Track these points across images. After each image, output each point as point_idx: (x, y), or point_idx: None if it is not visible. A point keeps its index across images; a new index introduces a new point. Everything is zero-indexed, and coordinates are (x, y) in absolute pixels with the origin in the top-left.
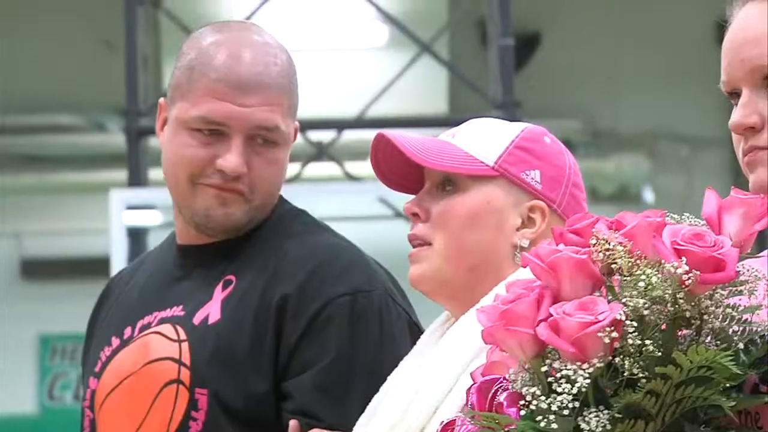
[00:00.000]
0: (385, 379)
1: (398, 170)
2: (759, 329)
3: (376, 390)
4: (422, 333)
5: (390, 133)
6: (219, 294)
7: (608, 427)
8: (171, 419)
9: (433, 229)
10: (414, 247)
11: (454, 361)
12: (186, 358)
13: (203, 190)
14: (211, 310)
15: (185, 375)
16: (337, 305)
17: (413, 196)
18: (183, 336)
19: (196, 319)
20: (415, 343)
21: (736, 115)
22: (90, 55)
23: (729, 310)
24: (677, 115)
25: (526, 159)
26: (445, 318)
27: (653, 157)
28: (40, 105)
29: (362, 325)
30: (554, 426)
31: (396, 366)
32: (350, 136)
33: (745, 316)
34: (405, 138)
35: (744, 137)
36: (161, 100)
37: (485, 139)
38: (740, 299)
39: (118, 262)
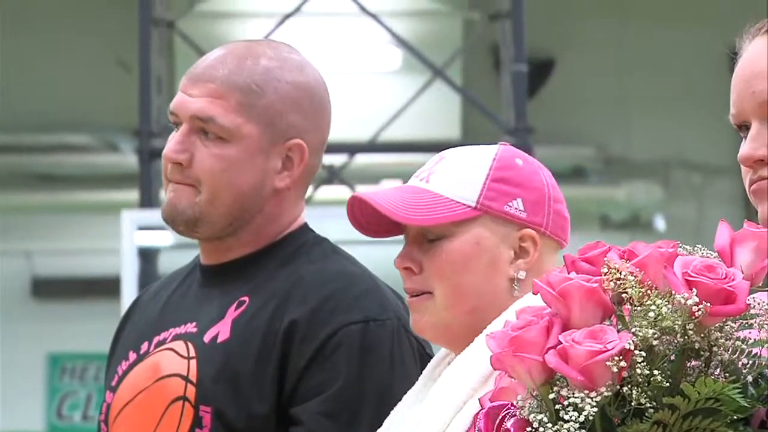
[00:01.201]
0: (393, 408)
1: (375, 220)
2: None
3: (383, 418)
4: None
5: (365, 194)
6: (231, 313)
7: None
8: None
9: (430, 280)
10: (411, 296)
11: (447, 404)
12: (193, 375)
13: (166, 187)
14: (222, 329)
15: (191, 392)
16: (348, 332)
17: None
18: (192, 353)
19: (207, 337)
20: None
21: (746, 148)
22: (104, 75)
23: (738, 343)
24: (690, 143)
25: (506, 190)
26: (445, 353)
27: (665, 184)
28: (53, 124)
29: (373, 354)
30: None
31: (404, 397)
32: (362, 160)
33: (754, 350)
34: (380, 196)
35: (753, 169)
36: None
37: (460, 178)
38: (750, 332)
39: (129, 283)
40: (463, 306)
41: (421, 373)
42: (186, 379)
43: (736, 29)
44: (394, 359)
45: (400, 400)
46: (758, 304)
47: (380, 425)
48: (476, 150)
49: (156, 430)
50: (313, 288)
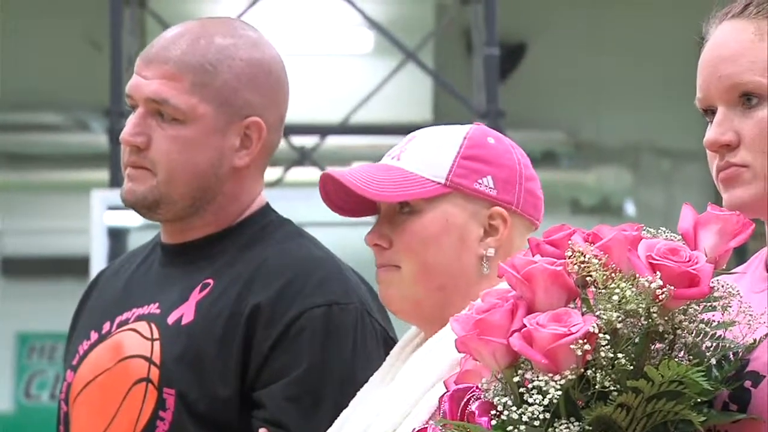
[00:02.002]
0: (357, 392)
1: (348, 199)
2: (731, 345)
3: (346, 402)
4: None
5: (336, 172)
6: (195, 296)
7: None
8: (139, 418)
9: (398, 254)
10: (380, 267)
11: (415, 386)
12: (156, 357)
13: (125, 171)
14: (185, 311)
15: (154, 374)
16: (311, 316)
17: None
18: (156, 335)
19: (170, 319)
20: None
21: (711, 133)
22: (75, 54)
23: (702, 326)
24: (659, 129)
25: (476, 167)
26: (414, 334)
27: (635, 169)
28: (23, 103)
29: (336, 338)
30: None
31: (369, 380)
32: (334, 141)
33: (718, 332)
34: (351, 174)
35: (719, 154)
36: None
37: (431, 156)
38: (714, 315)
39: (99, 262)
40: (431, 282)
41: (384, 356)
42: (149, 360)
43: (704, 17)
44: (357, 343)
45: (363, 384)
46: (722, 287)
47: (343, 408)
48: (448, 129)
49: (118, 411)
50: (277, 271)
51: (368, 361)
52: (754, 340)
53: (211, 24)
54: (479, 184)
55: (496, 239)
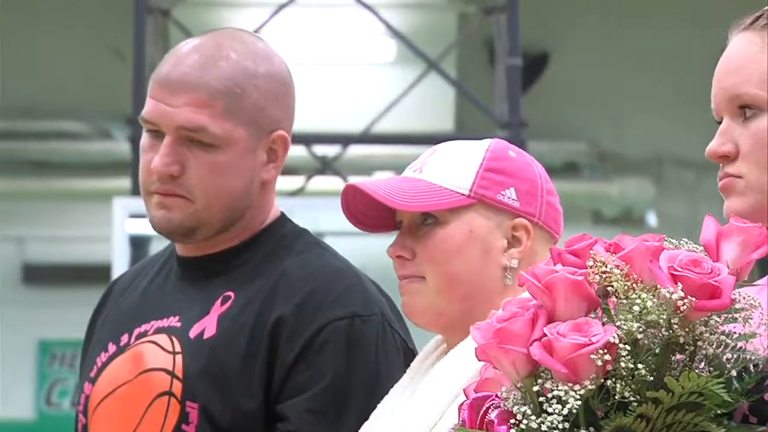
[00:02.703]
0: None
1: (370, 212)
2: (753, 357)
3: (370, 414)
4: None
5: (360, 183)
6: (217, 309)
7: None
8: (162, 431)
9: (422, 265)
10: (403, 278)
11: (439, 397)
12: (179, 371)
13: (150, 198)
14: (208, 325)
15: (177, 387)
16: (334, 328)
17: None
18: (178, 348)
19: (192, 333)
20: None
21: (712, 143)
22: (98, 62)
23: (723, 337)
24: (683, 140)
25: (499, 179)
26: (435, 346)
27: (658, 181)
28: (46, 111)
29: (359, 350)
30: None
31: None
32: (355, 151)
33: (739, 344)
34: (376, 185)
35: (721, 164)
36: None
37: (454, 167)
38: (735, 326)
39: (120, 270)
40: (455, 292)
41: (405, 368)
42: (172, 374)
43: (728, 27)
44: (380, 355)
45: (385, 395)
46: (743, 298)
47: (366, 421)
48: (469, 143)
49: (140, 425)
50: (298, 283)
51: (390, 373)
52: None
53: (223, 39)
54: (502, 195)
55: (520, 250)
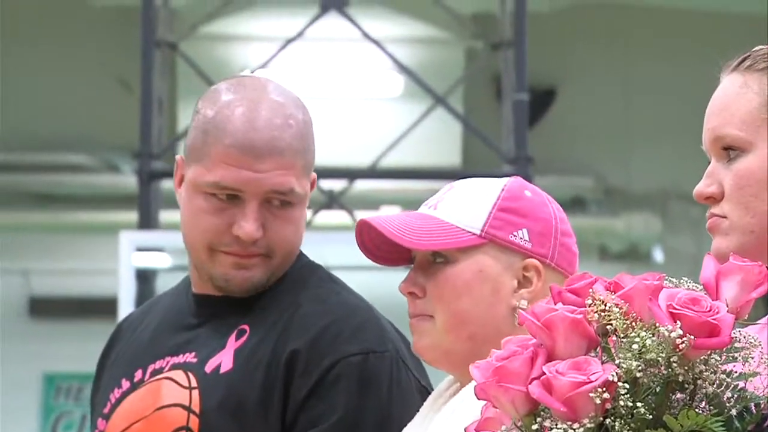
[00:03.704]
0: None
1: (384, 247)
2: (753, 397)
3: None
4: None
5: (372, 219)
6: (232, 343)
7: None
8: None
9: (431, 303)
10: (413, 317)
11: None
12: (196, 406)
13: (221, 258)
14: (224, 359)
15: (194, 423)
16: (348, 364)
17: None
18: (194, 383)
19: (208, 367)
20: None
21: (699, 184)
22: (105, 95)
23: (723, 376)
24: (689, 176)
25: (512, 220)
26: (447, 384)
27: (664, 216)
28: (53, 143)
29: (372, 386)
30: None
31: (403, 428)
32: (362, 185)
33: (740, 384)
34: (387, 221)
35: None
36: (178, 157)
37: (467, 206)
38: (735, 365)
39: (126, 304)
40: (462, 331)
41: (418, 406)
42: (188, 409)
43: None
44: (393, 392)
45: (398, 431)
46: (743, 337)
47: None
48: (486, 181)
49: None
50: (312, 318)
51: (403, 410)
52: None
53: (272, 93)
54: (514, 236)
55: (530, 291)
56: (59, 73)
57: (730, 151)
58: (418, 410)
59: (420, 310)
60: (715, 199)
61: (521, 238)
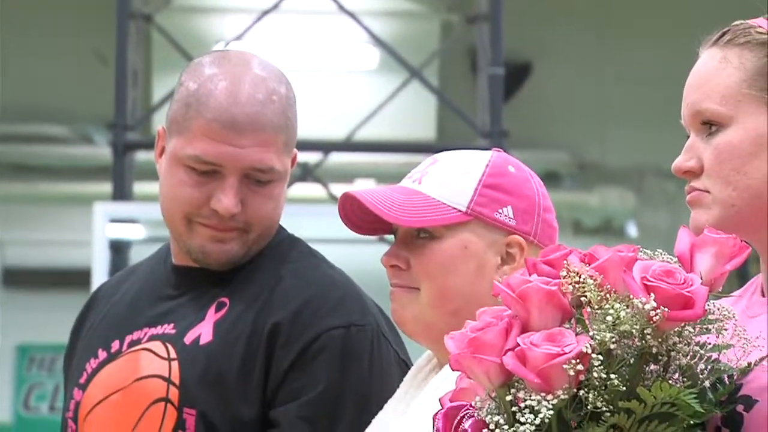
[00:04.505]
0: (373, 414)
1: (366, 217)
2: (725, 368)
3: (362, 425)
4: (409, 370)
5: (357, 192)
6: (212, 315)
7: None
8: None
9: (417, 277)
10: (396, 287)
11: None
12: (175, 377)
13: (199, 229)
14: (203, 331)
15: (174, 394)
16: (330, 337)
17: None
18: (173, 354)
19: (188, 339)
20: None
21: (678, 159)
22: (81, 67)
23: (696, 348)
24: (664, 151)
25: (497, 197)
26: (426, 360)
27: (639, 191)
28: (28, 115)
29: (354, 359)
30: None
31: (384, 402)
32: (337, 158)
33: (712, 356)
34: (372, 195)
35: (688, 179)
36: (160, 127)
37: (452, 182)
38: (709, 337)
39: (100, 275)
40: (446, 306)
41: (398, 379)
42: (168, 380)
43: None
44: (374, 365)
45: (379, 405)
46: (717, 309)
47: (359, 430)
48: (469, 155)
49: (135, 431)
50: (294, 291)
51: (384, 383)
52: (749, 363)
53: (255, 68)
54: (499, 213)
55: (513, 267)
56: (36, 46)
57: (710, 125)
58: (397, 383)
59: (404, 281)
60: (694, 173)
61: (506, 216)
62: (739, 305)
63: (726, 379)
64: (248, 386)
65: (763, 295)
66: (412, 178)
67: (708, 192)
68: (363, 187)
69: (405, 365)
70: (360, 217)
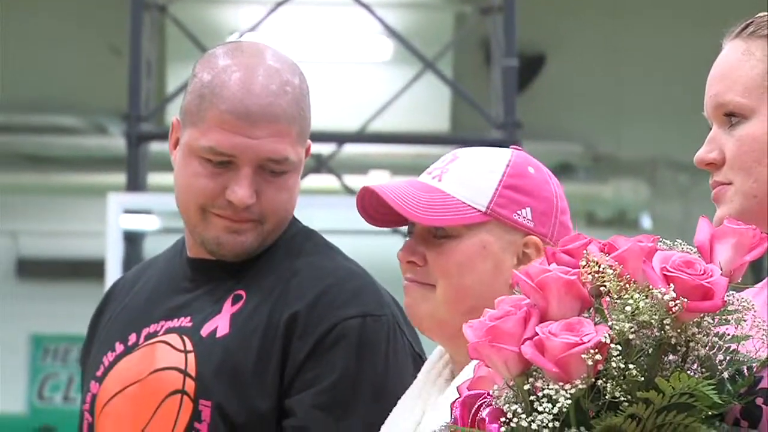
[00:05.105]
0: (387, 405)
1: (382, 210)
2: (745, 360)
3: (377, 415)
4: (424, 361)
5: (377, 186)
6: (228, 308)
7: None
8: (174, 429)
9: (434, 274)
10: (411, 282)
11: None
12: (192, 369)
13: (214, 220)
14: (220, 324)
15: (190, 386)
16: (346, 327)
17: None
18: (189, 347)
19: (204, 331)
20: (417, 374)
21: (700, 151)
22: (95, 58)
23: (715, 339)
24: (678, 143)
25: (516, 198)
26: (439, 355)
27: (653, 183)
28: (43, 105)
29: (370, 349)
30: None
31: (399, 392)
32: (350, 149)
33: (731, 346)
34: (393, 190)
35: (711, 172)
36: (174, 118)
37: (474, 181)
38: (728, 328)
39: (114, 266)
40: (462, 305)
41: (413, 371)
42: (184, 372)
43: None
44: (389, 355)
45: (394, 395)
46: (736, 300)
47: (372, 420)
48: (490, 153)
49: (150, 423)
50: (310, 282)
51: (399, 373)
52: None
53: (269, 59)
54: (518, 215)
55: None
56: (49, 36)
57: (732, 117)
58: (412, 375)
59: (420, 277)
60: (716, 165)
61: (524, 218)
62: (759, 298)
63: (745, 370)
64: (265, 378)
65: None
66: (432, 174)
67: (730, 184)
68: (378, 180)
69: (420, 358)
70: (377, 209)
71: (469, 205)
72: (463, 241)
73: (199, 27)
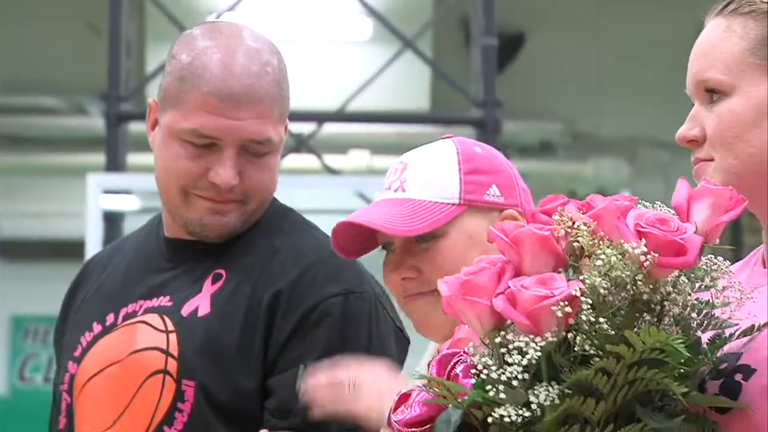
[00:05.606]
0: None
1: (352, 240)
2: (720, 321)
3: None
4: (407, 338)
5: (352, 217)
6: (209, 287)
7: (557, 401)
8: (156, 409)
9: (430, 280)
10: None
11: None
12: (174, 349)
13: (197, 201)
14: (201, 303)
15: (172, 366)
16: (329, 305)
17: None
18: (171, 327)
19: (185, 311)
20: (401, 350)
21: (682, 128)
22: (74, 38)
23: (689, 298)
24: (658, 121)
25: (480, 180)
26: (431, 354)
27: (633, 161)
28: (21, 86)
29: (352, 326)
30: (503, 396)
31: None
32: (330, 129)
33: (705, 306)
34: (367, 216)
35: (690, 147)
36: (151, 100)
37: (436, 179)
38: (707, 295)
39: (94, 246)
40: None
41: (396, 347)
42: (166, 352)
43: (705, 10)
44: (372, 332)
45: None
46: (713, 263)
47: None
48: (435, 149)
49: (131, 403)
50: (291, 261)
51: (383, 350)
52: (753, 325)
53: (248, 39)
54: (488, 195)
55: None
56: (29, 16)
57: (713, 94)
58: (395, 351)
59: (420, 287)
60: (698, 142)
61: (494, 195)
62: (741, 276)
63: (727, 334)
64: (248, 357)
65: (765, 267)
66: (392, 188)
67: (711, 160)
68: (357, 161)
69: (402, 333)
70: (346, 240)
71: (443, 203)
72: (449, 237)
73: (178, 6)
